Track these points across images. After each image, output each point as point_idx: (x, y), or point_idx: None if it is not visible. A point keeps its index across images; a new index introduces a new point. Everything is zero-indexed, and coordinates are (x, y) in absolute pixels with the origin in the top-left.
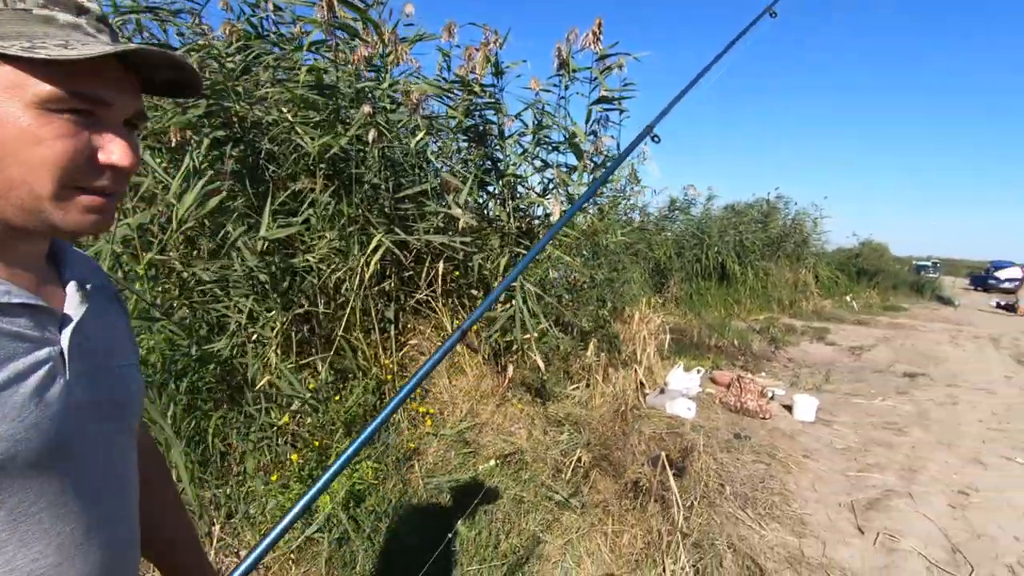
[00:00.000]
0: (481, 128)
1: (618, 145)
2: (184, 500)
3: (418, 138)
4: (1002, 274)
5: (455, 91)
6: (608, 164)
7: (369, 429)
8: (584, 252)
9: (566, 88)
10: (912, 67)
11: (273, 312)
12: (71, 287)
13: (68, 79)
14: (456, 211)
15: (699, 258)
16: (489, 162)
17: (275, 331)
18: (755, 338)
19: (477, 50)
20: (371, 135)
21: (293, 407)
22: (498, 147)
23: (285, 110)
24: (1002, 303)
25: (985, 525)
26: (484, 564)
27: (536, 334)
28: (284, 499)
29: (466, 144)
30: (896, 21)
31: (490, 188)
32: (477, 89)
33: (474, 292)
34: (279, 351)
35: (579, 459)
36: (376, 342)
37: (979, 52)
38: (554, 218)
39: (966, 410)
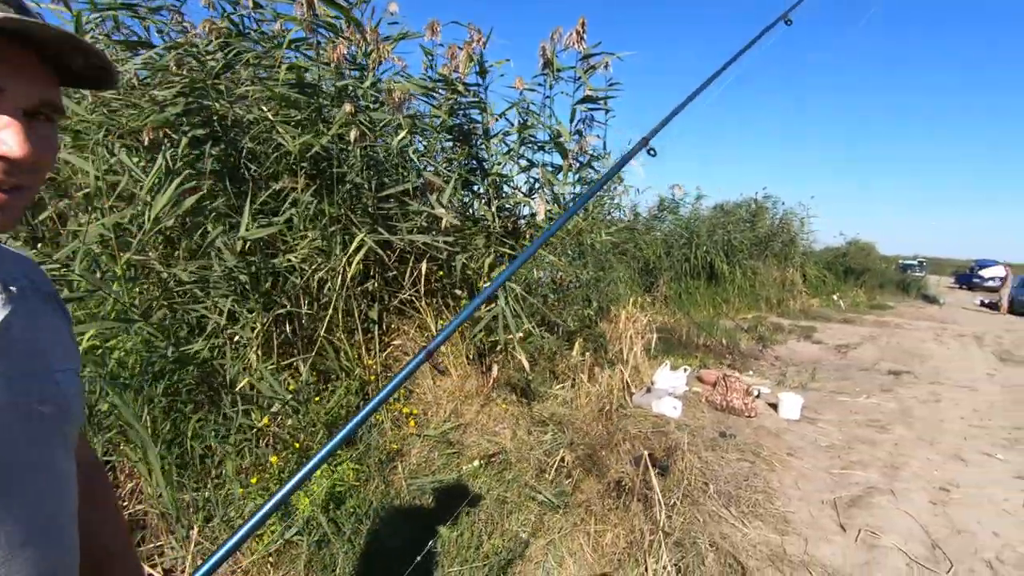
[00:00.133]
0: (466, 127)
1: (604, 144)
2: (160, 504)
3: (400, 137)
4: (986, 273)
5: (439, 90)
6: (592, 163)
7: (322, 453)
8: (569, 252)
9: (551, 87)
10: (913, 67)
11: (254, 313)
12: None
13: None
14: (439, 210)
15: (688, 257)
16: (474, 161)
17: (255, 332)
18: (743, 337)
19: (460, 49)
20: (353, 134)
21: (273, 409)
22: (483, 146)
23: (266, 108)
24: (986, 301)
25: (965, 521)
26: (466, 565)
27: (521, 334)
28: (263, 502)
29: (450, 143)
30: (898, 21)
31: (475, 188)
32: (461, 88)
33: (458, 292)
34: (259, 352)
35: (562, 459)
36: (359, 342)
37: (979, 51)
38: (539, 218)
39: (949, 407)
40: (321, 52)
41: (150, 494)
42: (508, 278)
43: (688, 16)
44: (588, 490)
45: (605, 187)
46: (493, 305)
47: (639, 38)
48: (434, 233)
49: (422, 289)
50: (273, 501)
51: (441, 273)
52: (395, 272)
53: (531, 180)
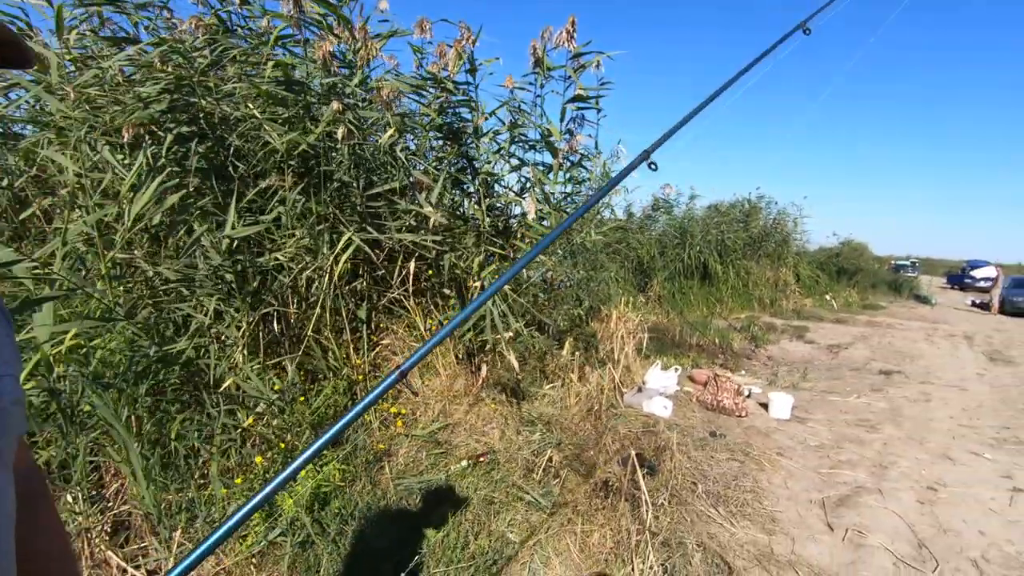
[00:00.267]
0: (456, 126)
1: (596, 144)
2: (144, 504)
3: (387, 135)
4: (978, 273)
5: (428, 88)
6: (582, 163)
7: (291, 468)
8: (560, 251)
9: (542, 86)
10: (914, 67)
11: (240, 312)
12: None
13: None
14: (427, 209)
15: (681, 257)
16: (464, 160)
17: (241, 331)
18: (736, 337)
19: (450, 47)
20: (341, 132)
21: (258, 409)
22: (473, 145)
23: (252, 106)
24: (977, 302)
25: (952, 520)
26: (451, 566)
27: (511, 334)
28: (242, 505)
29: (440, 142)
30: (905, 21)
31: (465, 187)
32: (450, 87)
33: (447, 291)
34: (245, 351)
35: (550, 459)
36: (347, 342)
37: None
38: (529, 217)
39: (938, 407)
40: (309, 49)
41: (134, 494)
42: (489, 298)
43: (687, 16)
44: (575, 490)
45: (594, 188)
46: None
47: (637, 38)
48: (423, 232)
49: (411, 288)
50: (234, 519)
51: (430, 272)
52: (384, 271)
53: (522, 179)
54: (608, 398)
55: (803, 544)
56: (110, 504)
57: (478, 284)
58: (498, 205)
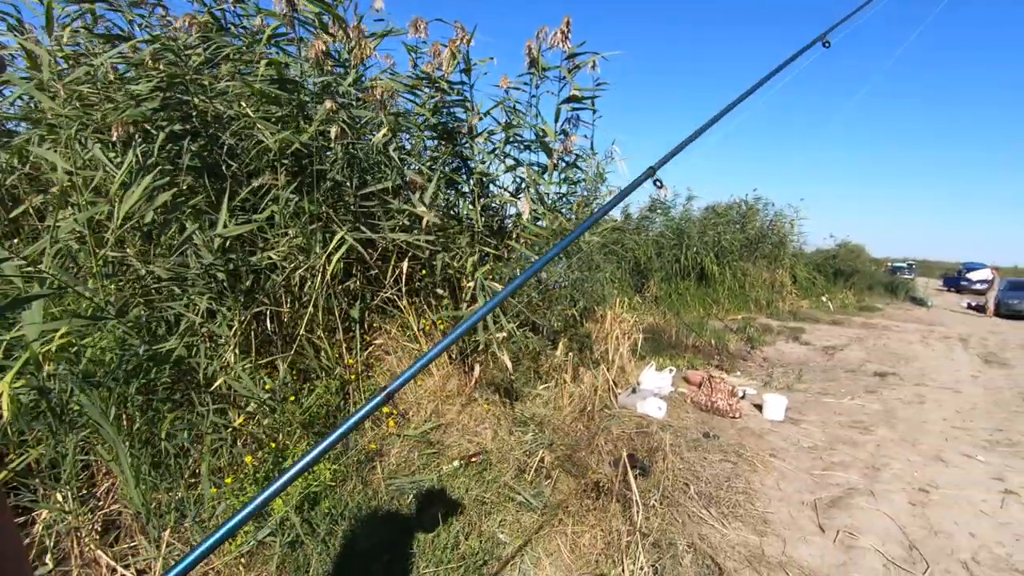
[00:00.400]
0: (450, 126)
1: (592, 145)
2: (132, 504)
3: (380, 134)
4: (974, 275)
5: (423, 88)
6: (577, 163)
7: (278, 483)
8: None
9: (537, 87)
10: (913, 68)
11: (232, 311)
12: None
13: None
14: (420, 209)
15: (678, 258)
16: (459, 160)
17: (233, 330)
18: (732, 338)
19: (444, 46)
20: (334, 131)
21: (249, 408)
22: (468, 145)
23: (245, 104)
24: (973, 304)
25: (943, 522)
26: (441, 566)
27: (504, 334)
28: (237, 503)
29: (434, 142)
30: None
31: (460, 187)
32: (445, 87)
33: (440, 291)
34: (237, 351)
35: (542, 460)
36: (340, 341)
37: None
38: (524, 217)
39: (932, 409)
40: (303, 48)
41: (124, 493)
42: (481, 318)
43: (683, 17)
44: (567, 491)
45: (589, 189)
46: (474, 305)
47: (635, 37)
48: (416, 232)
49: (404, 288)
50: (219, 533)
51: (424, 272)
52: (377, 271)
53: (518, 179)
54: (602, 399)
55: (794, 545)
56: (101, 503)
57: (472, 284)
58: (493, 205)
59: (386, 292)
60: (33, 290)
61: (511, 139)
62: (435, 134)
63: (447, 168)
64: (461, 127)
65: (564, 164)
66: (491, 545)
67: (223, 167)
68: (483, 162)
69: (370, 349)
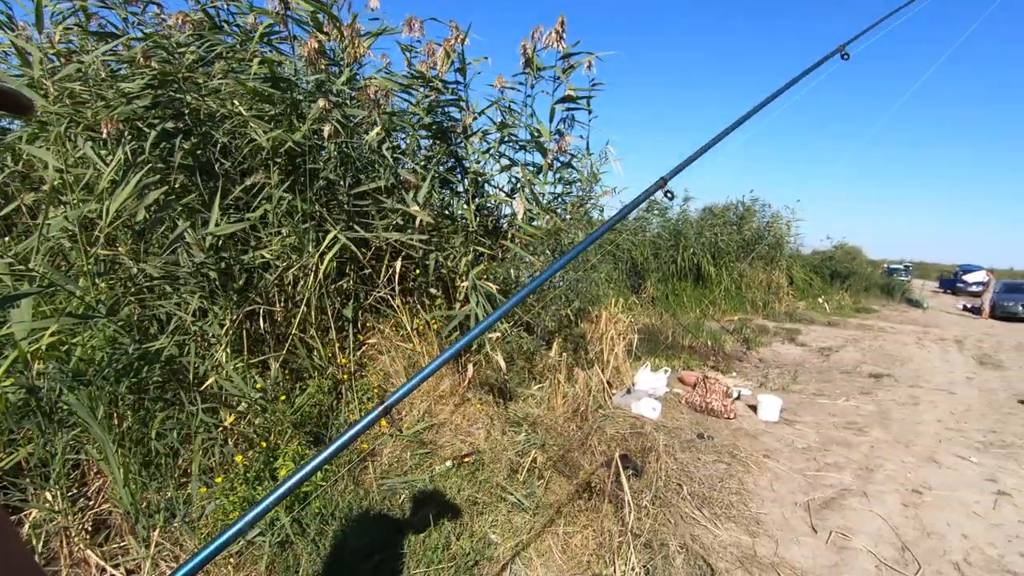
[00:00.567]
0: (445, 125)
1: (587, 145)
2: (121, 504)
3: (373, 133)
4: (970, 278)
5: (417, 87)
6: (572, 163)
7: (272, 496)
8: (547, 251)
9: (532, 87)
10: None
11: (224, 310)
12: None
13: None
14: (414, 208)
15: (675, 259)
16: (453, 160)
17: (224, 329)
18: (728, 338)
19: (439, 45)
20: (327, 129)
21: (240, 407)
22: (462, 144)
23: (238, 103)
24: (969, 306)
25: (935, 523)
26: (432, 567)
27: (498, 334)
28: (228, 502)
29: (429, 142)
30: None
31: (454, 186)
32: (439, 86)
33: (433, 291)
34: (229, 350)
35: (534, 460)
36: (333, 340)
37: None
38: (519, 217)
39: (926, 410)
40: (297, 46)
41: (114, 492)
42: (484, 330)
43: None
44: (559, 491)
45: (584, 189)
46: (467, 305)
47: (632, 37)
48: (410, 231)
49: (397, 287)
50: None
51: (417, 272)
52: (370, 270)
53: (513, 179)
54: (596, 399)
55: (787, 546)
56: (91, 503)
57: (466, 284)
58: (488, 205)
59: (379, 291)
60: (22, 288)
61: (506, 139)
62: (429, 133)
63: (441, 168)
64: (456, 126)
65: (559, 164)
66: (482, 545)
67: (216, 165)
68: (478, 162)
69: (363, 349)
